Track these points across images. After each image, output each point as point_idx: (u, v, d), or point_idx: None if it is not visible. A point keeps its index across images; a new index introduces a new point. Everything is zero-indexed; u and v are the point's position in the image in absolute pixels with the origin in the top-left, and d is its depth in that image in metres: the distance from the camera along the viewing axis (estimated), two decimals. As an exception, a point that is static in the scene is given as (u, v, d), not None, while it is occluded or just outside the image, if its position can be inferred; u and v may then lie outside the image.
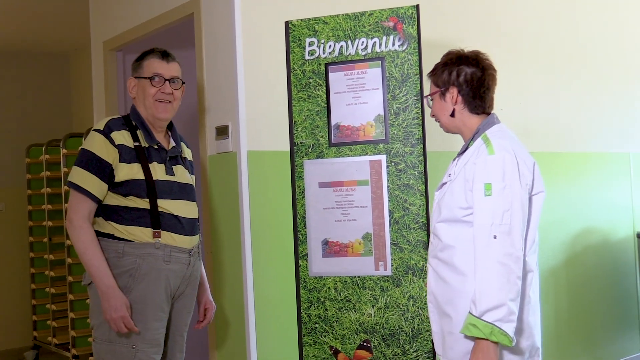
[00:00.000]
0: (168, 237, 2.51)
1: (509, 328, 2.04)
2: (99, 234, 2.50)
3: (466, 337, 2.12)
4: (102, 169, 2.46)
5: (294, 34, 2.93)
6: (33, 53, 6.53)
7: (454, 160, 2.35)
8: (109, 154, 2.47)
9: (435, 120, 2.40)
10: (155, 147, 2.57)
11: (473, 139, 2.26)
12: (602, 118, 4.84)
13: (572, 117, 4.64)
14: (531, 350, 2.24)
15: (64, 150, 5.14)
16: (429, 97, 2.37)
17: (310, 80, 2.91)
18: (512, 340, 2.04)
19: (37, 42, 6.24)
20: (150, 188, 2.49)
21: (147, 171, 2.50)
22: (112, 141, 2.48)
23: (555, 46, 4.57)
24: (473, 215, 2.14)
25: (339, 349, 2.86)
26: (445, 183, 2.31)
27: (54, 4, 5.15)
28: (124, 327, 2.42)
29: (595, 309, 4.70)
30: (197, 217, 2.66)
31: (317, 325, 2.88)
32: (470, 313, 2.07)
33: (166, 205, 2.52)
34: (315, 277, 2.88)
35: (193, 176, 2.75)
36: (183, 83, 2.66)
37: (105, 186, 2.47)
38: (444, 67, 2.31)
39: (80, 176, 2.46)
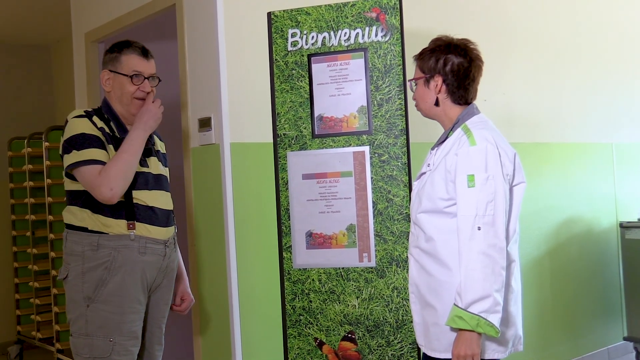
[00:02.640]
0: (143, 229, 2.49)
1: (495, 319, 2.04)
2: (72, 227, 2.48)
3: (452, 328, 2.13)
4: (95, 142, 2.43)
5: (277, 25, 2.91)
6: (14, 45, 6.46)
7: (432, 149, 2.34)
8: (94, 131, 2.46)
9: (416, 104, 2.38)
10: None
11: (453, 129, 2.25)
12: (585, 109, 4.86)
13: (556, 108, 4.66)
14: (514, 339, 2.26)
15: (46, 143, 5.08)
16: (413, 81, 2.34)
17: (293, 71, 2.89)
18: (498, 331, 2.05)
19: (18, 34, 6.18)
20: None
21: None
22: (94, 124, 2.48)
23: (539, 37, 4.59)
24: (456, 206, 2.13)
25: (324, 340, 2.86)
26: (424, 173, 2.30)
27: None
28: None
29: (579, 299, 4.74)
30: (172, 208, 2.65)
31: (301, 317, 2.88)
32: (455, 305, 2.07)
33: (141, 196, 2.51)
34: (300, 269, 2.88)
35: (167, 168, 2.74)
36: (159, 80, 2.64)
37: (106, 154, 2.44)
38: (431, 54, 2.28)
39: (80, 155, 2.41)
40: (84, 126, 2.46)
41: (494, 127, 2.25)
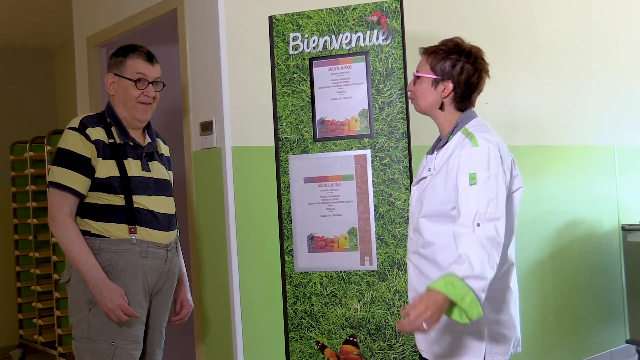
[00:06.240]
0: (144, 233, 2.50)
1: (480, 304, 1.92)
2: None
3: (448, 328, 2.11)
4: (80, 165, 2.44)
5: (278, 28, 2.92)
6: (17, 49, 6.48)
7: (429, 154, 2.32)
8: (86, 149, 2.45)
9: (410, 97, 2.33)
10: (131, 143, 2.56)
11: (452, 132, 2.24)
12: (586, 111, 4.86)
13: (557, 110, 4.66)
14: (514, 341, 2.25)
15: (48, 147, 5.10)
16: (419, 77, 2.26)
17: (295, 75, 2.90)
18: (479, 313, 1.91)
19: (20, 38, 6.19)
20: (125, 184, 2.48)
21: (121, 167, 2.49)
22: (87, 137, 2.46)
23: (540, 40, 4.59)
24: (457, 205, 2.11)
25: (326, 344, 2.86)
26: (424, 177, 2.27)
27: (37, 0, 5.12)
28: (124, 315, 2.40)
29: (581, 302, 4.73)
30: (174, 212, 2.65)
31: (303, 320, 2.88)
32: (450, 273, 1.94)
33: (142, 200, 2.51)
34: (301, 273, 2.88)
35: (170, 172, 2.74)
36: (164, 85, 2.64)
37: (87, 180, 2.45)
38: (447, 55, 2.21)
39: (60, 174, 2.45)
40: (74, 142, 2.46)
41: (493, 131, 2.25)
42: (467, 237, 2.00)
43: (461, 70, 2.20)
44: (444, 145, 2.24)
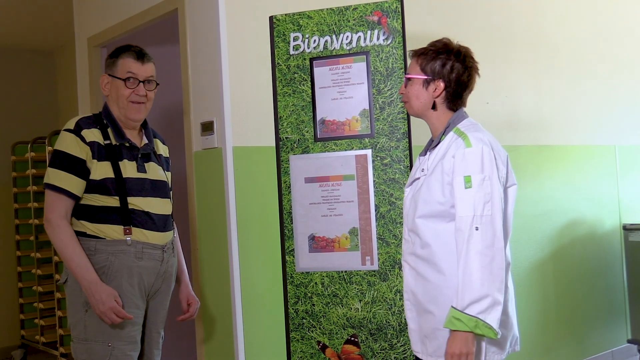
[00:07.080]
0: (139, 234, 2.50)
1: (493, 320, 2.03)
2: None
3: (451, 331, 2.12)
4: (75, 167, 2.44)
5: (279, 28, 2.92)
6: (17, 50, 6.48)
7: (422, 155, 2.33)
8: (81, 150, 2.45)
9: (403, 99, 2.34)
10: (127, 144, 2.55)
11: (444, 133, 2.25)
12: (588, 111, 4.86)
13: (558, 110, 4.66)
14: (512, 339, 2.26)
15: (49, 147, 5.10)
16: (410, 78, 2.28)
17: (295, 75, 2.90)
18: (496, 332, 2.04)
19: (21, 38, 6.20)
20: (120, 186, 2.48)
21: (116, 169, 2.49)
22: (83, 139, 2.46)
23: (541, 39, 4.59)
24: (454, 208, 2.13)
25: (327, 344, 2.86)
26: (418, 178, 2.28)
27: (38, 0, 5.12)
28: (116, 317, 2.40)
29: (582, 301, 4.73)
30: (170, 213, 2.65)
31: (304, 320, 2.88)
32: (453, 307, 2.07)
33: (137, 202, 2.51)
34: (302, 273, 2.88)
35: (169, 173, 2.73)
36: (157, 84, 2.63)
37: (82, 182, 2.45)
38: (436, 55, 2.24)
39: (55, 176, 2.45)
40: (69, 143, 2.46)
41: (484, 130, 2.25)
42: (465, 255, 2.07)
43: (451, 69, 2.23)
44: (436, 145, 2.25)
